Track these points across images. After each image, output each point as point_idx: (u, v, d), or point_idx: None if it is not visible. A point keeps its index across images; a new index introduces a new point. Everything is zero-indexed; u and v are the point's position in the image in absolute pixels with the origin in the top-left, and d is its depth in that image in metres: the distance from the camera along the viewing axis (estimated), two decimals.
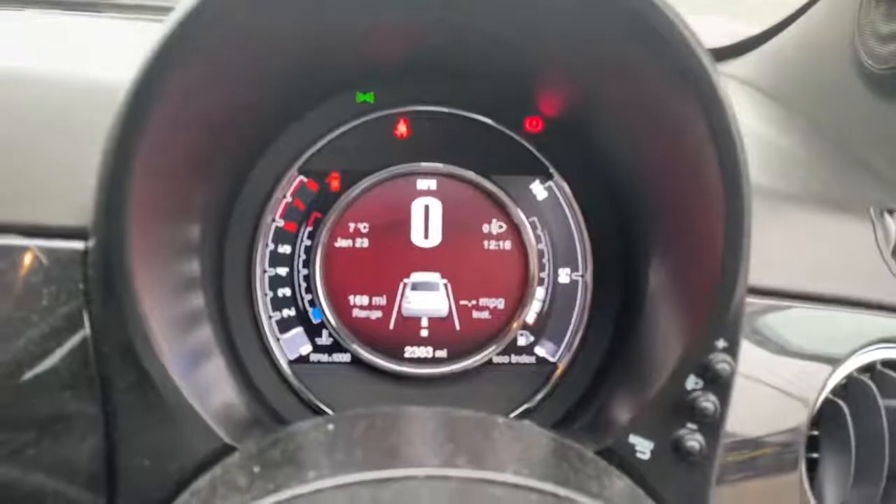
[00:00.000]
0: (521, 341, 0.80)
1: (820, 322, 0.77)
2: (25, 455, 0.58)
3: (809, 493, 0.75)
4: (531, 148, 0.79)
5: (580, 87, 0.71)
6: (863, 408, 0.75)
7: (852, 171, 0.97)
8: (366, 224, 0.79)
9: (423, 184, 0.79)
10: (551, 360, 0.80)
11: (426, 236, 0.79)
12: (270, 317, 0.78)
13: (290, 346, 0.79)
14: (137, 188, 0.53)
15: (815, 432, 0.76)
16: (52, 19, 0.99)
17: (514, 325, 0.79)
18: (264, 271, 0.78)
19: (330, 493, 0.41)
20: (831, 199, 0.88)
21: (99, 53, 0.82)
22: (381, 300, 0.79)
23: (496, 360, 0.79)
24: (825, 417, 0.76)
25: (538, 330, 0.80)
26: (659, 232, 0.69)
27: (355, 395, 0.78)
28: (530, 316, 0.79)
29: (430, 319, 0.79)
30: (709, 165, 0.54)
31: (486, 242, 0.79)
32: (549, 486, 0.43)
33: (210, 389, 0.63)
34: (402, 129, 0.79)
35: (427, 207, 0.79)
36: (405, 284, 0.79)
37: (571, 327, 0.79)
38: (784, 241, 0.80)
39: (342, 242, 0.79)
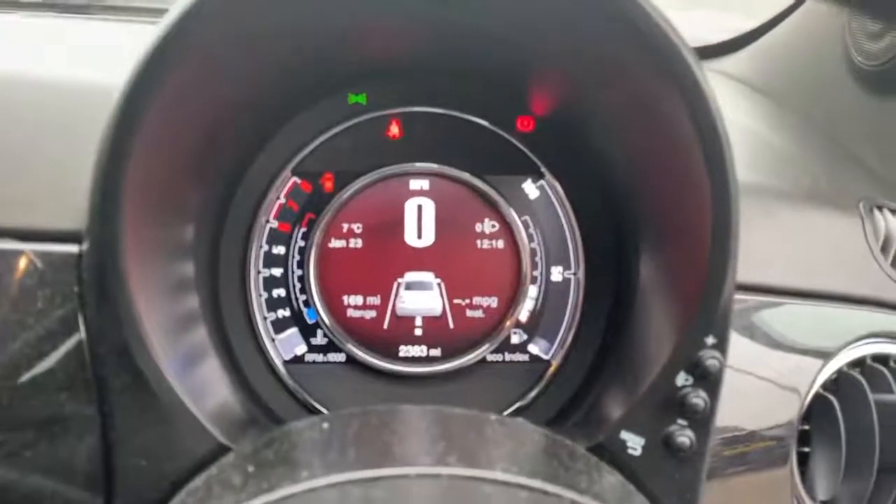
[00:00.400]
0: (515, 339, 0.80)
1: (810, 317, 0.78)
2: (23, 456, 0.58)
3: (801, 487, 0.75)
4: (523, 147, 0.79)
5: (570, 86, 0.72)
6: (853, 402, 0.75)
7: (843, 166, 0.98)
8: (359, 224, 0.79)
9: (415, 184, 0.79)
10: (544, 357, 0.80)
11: (419, 236, 0.79)
12: (265, 317, 0.79)
13: (285, 346, 0.79)
14: (131, 189, 0.53)
15: (806, 427, 0.76)
16: (45, 22, 0.99)
17: (508, 323, 0.79)
18: (259, 272, 0.78)
19: (322, 491, 0.42)
20: (821, 196, 0.89)
21: (92, 57, 0.82)
22: (375, 300, 0.80)
23: (490, 358, 0.80)
24: (816, 412, 0.76)
25: (531, 328, 0.80)
26: (649, 229, 0.70)
27: (350, 394, 0.79)
28: (523, 314, 0.80)
29: (424, 318, 0.80)
30: (695, 163, 0.55)
31: (478, 242, 0.80)
32: (538, 483, 0.43)
33: (205, 390, 0.64)
34: (394, 129, 0.79)
35: (420, 207, 0.79)
36: (399, 284, 0.79)
37: (564, 325, 0.80)
38: (775, 238, 0.81)
39: (336, 243, 0.79)
